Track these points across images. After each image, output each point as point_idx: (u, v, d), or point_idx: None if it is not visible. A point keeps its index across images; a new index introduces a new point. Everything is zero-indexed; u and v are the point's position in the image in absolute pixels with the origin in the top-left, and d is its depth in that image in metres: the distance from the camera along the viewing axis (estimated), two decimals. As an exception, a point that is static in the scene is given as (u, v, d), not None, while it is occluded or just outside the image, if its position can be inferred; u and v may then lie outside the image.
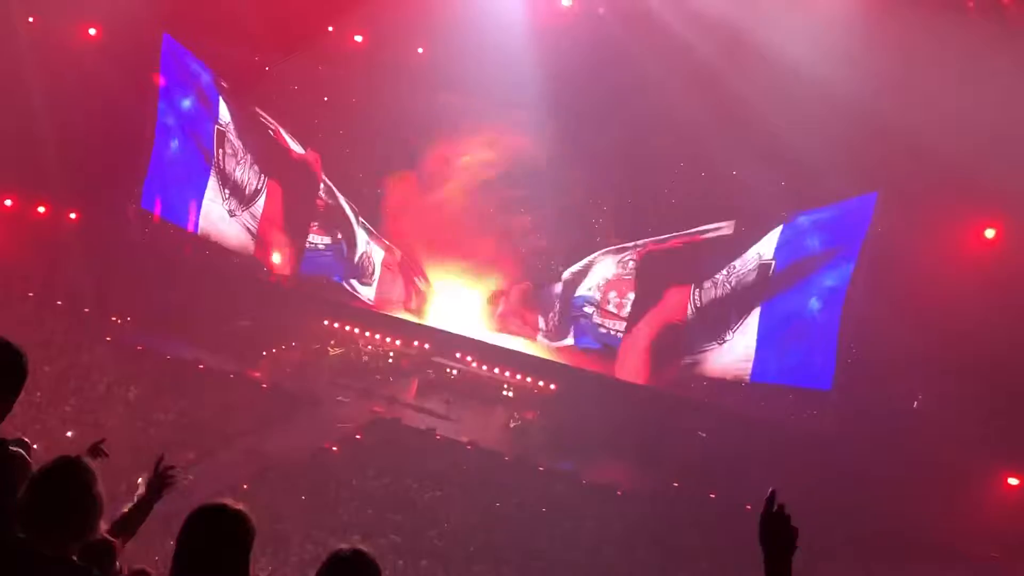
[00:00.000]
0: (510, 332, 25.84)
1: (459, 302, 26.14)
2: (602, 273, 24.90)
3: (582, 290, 25.08)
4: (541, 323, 25.69)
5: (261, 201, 26.91)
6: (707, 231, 23.77)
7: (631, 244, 24.70)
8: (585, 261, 25.10)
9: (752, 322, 23.38)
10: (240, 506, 4.66)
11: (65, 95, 24.98)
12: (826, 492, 20.82)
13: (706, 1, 21.23)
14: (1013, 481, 21.64)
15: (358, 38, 25.72)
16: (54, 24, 25.60)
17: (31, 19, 25.76)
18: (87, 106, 25.05)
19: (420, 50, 25.39)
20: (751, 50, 21.00)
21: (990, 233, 21.79)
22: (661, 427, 23.38)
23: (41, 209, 27.10)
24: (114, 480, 5.08)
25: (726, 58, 21.41)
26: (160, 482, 6.43)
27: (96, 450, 6.49)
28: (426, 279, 26.47)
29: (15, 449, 5.06)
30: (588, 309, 25.03)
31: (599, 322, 25.02)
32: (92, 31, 26.33)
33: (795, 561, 4.44)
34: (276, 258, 27.05)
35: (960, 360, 20.73)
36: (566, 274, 25.32)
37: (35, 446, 5.88)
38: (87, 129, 25.03)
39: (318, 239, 26.88)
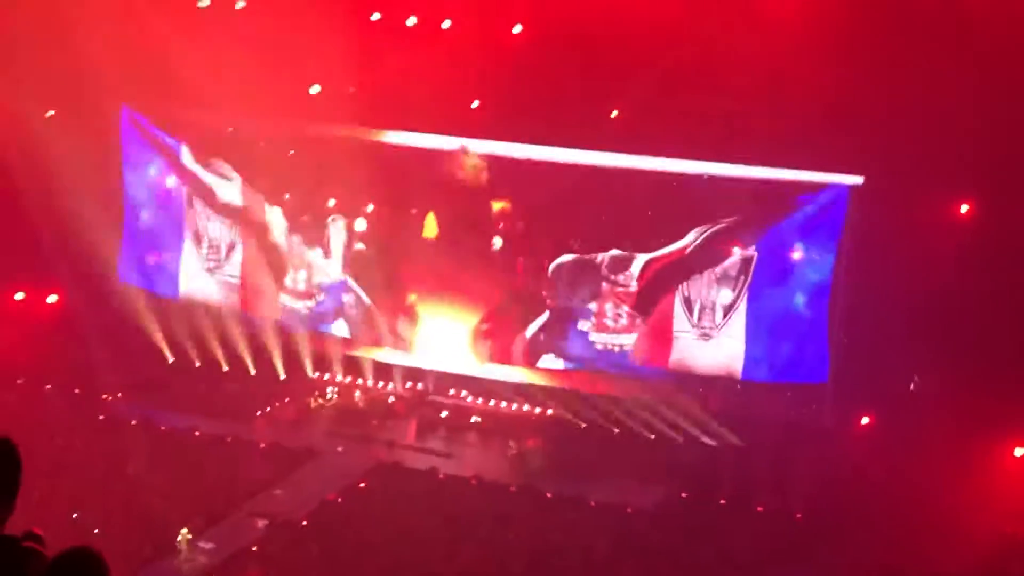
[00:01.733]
0: (502, 361, 25.74)
1: (447, 337, 26.04)
2: (592, 288, 24.75)
3: (576, 305, 24.93)
4: (531, 348, 25.54)
5: (238, 253, 26.84)
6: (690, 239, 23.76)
7: (618, 254, 24.55)
8: (575, 281, 24.99)
9: (738, 320, 23.38)
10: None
11: (28, 176, 24.93)
12: (834, 483, 20.94)
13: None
14: (1021, 451, 21.65)
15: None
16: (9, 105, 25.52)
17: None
18: (53, 185, 25.01)
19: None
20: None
21: (963, 208, 21.93)
22: (662, 438, 23.36)
23: (19, 295, 26.97)
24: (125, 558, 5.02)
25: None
26: None
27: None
28: (410, 317, 26.31)
29: (29, 544, 4.95)
30: (583, 325, 24.85)
31: (595, 340, 24.86)
32: (50, 113, 26.27)
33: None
34: (262, 306, 26.93)
35: (951, 336, 20.85)
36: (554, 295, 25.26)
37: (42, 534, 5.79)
38: (57, 208, 25.00)
39: (292, 298, 26.82)
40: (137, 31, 23.48)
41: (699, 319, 23.68)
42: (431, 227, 25.81)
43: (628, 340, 24.45)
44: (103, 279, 26.91)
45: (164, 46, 23.61)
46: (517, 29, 23.85)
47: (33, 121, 25.58)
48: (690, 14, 21.10)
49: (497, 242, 25.33)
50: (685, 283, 23.76)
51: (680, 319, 23.85)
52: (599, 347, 24.68)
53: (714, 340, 23.59)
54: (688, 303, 23.81)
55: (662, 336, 24.06)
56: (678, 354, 23.96)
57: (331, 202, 26.49)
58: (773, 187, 23.22)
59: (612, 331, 24.56)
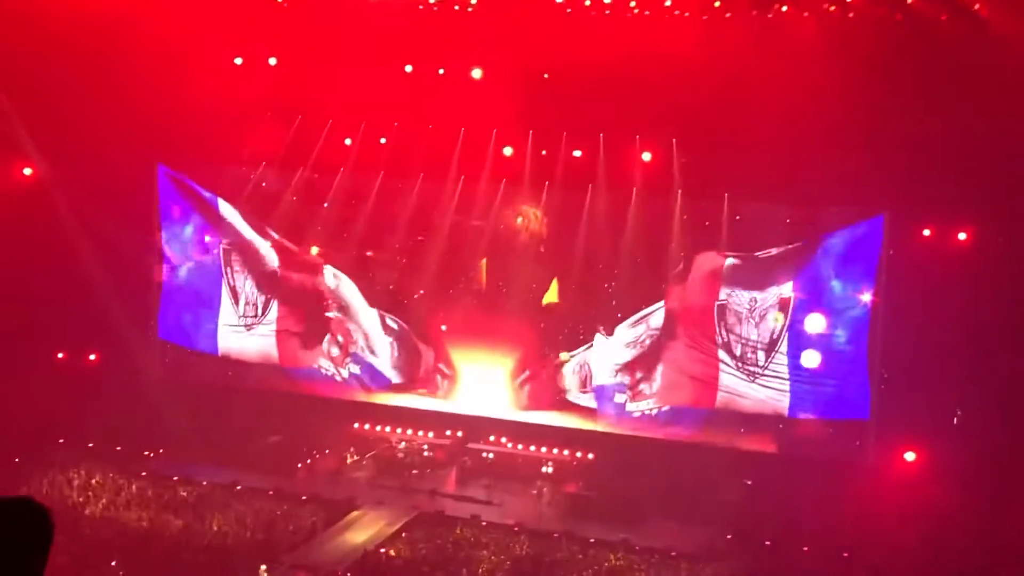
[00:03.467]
0: (540, 408, 25.74)
1: (485, 384, 26.10)
2: (622, 353, 24.85)
3: (605, 373, 25.03)
4: (569, 394, 25.59)
5: (274, 309, 27.07)
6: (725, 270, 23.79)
7: (649, 311, 24.63)
8: (603, 338, 25.09)
9: (781, 359, 23.34)
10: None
11: (59, 239, 25.34)
12: (880, 520, 20.70)
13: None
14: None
15: (348, 141, 25.95)
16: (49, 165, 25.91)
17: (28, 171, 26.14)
18: (93, 244, 25.42)
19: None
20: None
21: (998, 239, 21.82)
22: (704, 480, 23.20)
23: (60, 355, 27.26)
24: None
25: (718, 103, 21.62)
26: None
27: None
28: (451, 365, 26.45)
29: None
30: (619, 398, 24.99)
31: (633, 409, 24.95)
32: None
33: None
34: (299, 359, 27.12)
35: (993, 369, 20.67)
36: (581, 353, 25.35)
37: None
38: (94, 269, 25.35)
39: (329, 355, 27.01)
40: (172, 89, 23.81)
41: (743, 361, 23.64)
42: (483, 276, 26.03)
43: (664, 402, 24.55)
44: (143, 336, 27.14)
45: (199, 103, 23.96)
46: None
47: (72, 180, 25.98)
48: (716, 55, 21.17)
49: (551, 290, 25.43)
50: (724, 327, 23.74)
51: (724, 362, 23.82)
52: (636, 415, 24.78)
53: (760, 380, 23.52)
54: (729, 347, 23.79)
55: (706, 380, 24.02)
56: (724, 394, 23.91)
57: (368, 253, 26.72)
58: (806, 223, 23.23)
59: (647, 396, 24.67)
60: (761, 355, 23.50)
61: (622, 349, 24.95)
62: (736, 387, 23.79)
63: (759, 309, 23.51)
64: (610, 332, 25.04)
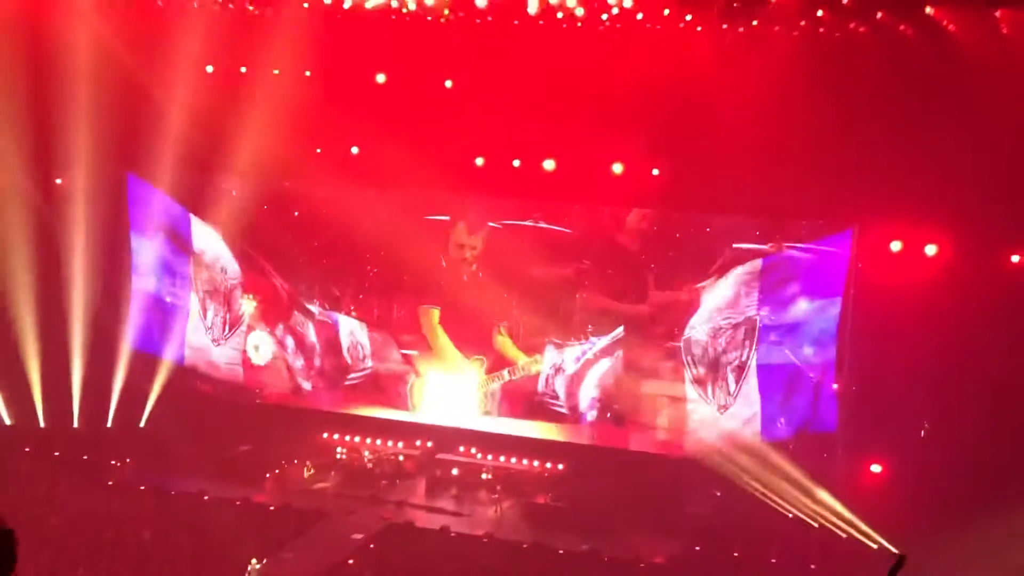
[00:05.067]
0: (511, 415, 25.72)
1: (456, 393, 26.07)
2: (592, 358, 24.91)
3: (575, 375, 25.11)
4: (540, 401, 25.58)
5: (243, 325, 26.99)
6: (692, 293, 23.85)
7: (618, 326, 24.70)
8: (574, 356, 25.12)
9: (751, 385, 23.39)
10: None
11: (37, 243, 25.20)
12: (850, 533, 20.80)
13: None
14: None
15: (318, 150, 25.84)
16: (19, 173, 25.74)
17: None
18: (62, 252, 25.33)
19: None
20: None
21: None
22: (673, 492, 23.25)
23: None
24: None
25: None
26: None
27: None
28: (417, 372, 26.39)
29: None
30: (595, 392, 25.03)
31: (597, 408, 25.02)
32: (58, 180, 26.55)
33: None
34: (265, 381, 27.05)
35: (961, 382, 20.80)
36: (556, 359, 25.35)
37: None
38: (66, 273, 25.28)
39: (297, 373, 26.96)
40: (143, 96, 23.74)
41: (713, 394, 23.70)
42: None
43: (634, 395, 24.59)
44: (111, 345, 26.95)
45: (169, 111, 23.89)
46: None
47: (43, 189, 25.87)
48: (687, 68, 21.25)
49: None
50: (692, 362, 23.81)
51: (694, 398, 23.90)
52: (605, 412, 24.88)
53: (731, 410, 23.58)
54: (700, 381, 23.84)
55: (677, 422, 24.10)
56: (695, 430, 23.95)
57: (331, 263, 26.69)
58: (775, 235, 23.35)
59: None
60: (732, 383, 23.54)
61: (586, 367, 24.99)
62: (706, 421, 23.85)
63: (725, 334, 23.57)
64: (563, 345, 25.11)
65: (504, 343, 25.64)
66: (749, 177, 21.00)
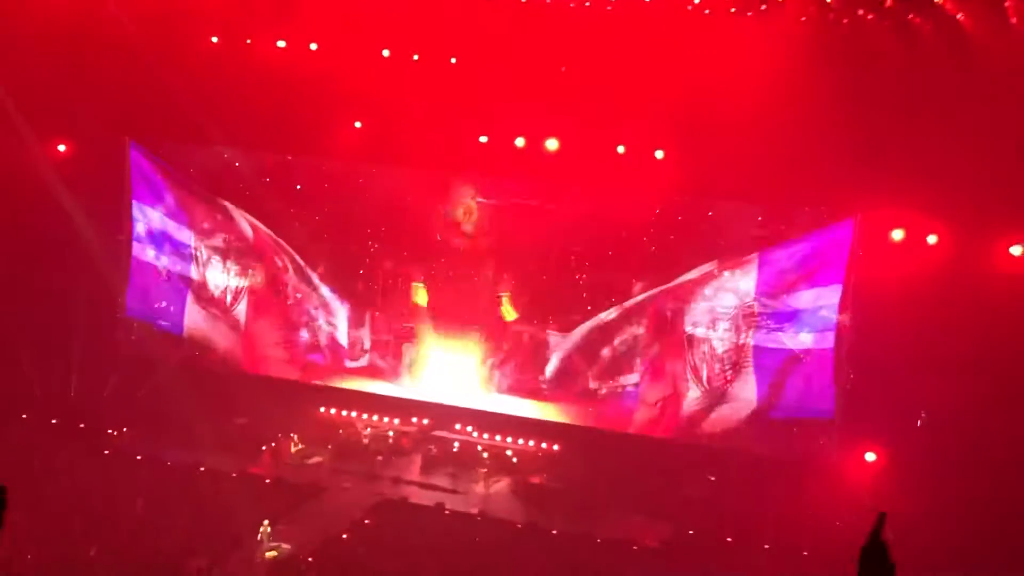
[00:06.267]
0: (511, 392, 25.71)
1: (454, 369, 26.06)
2: (591, 337, 24.87)
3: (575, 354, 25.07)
4: (540, 379, 25.56)
5: (244, 300, 26.95)
6: (691, 278, 23.81)
7: (618, 307, 24.64)
8: (576, 332, 25.10)
9: (748, 370, 23.40)
10: None
11: (35, 208, 25.16)
12: (842, 519, 20.81)
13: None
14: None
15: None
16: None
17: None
18: (63, 218, 25.30)
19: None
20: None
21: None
22: (668, 475, 23.28)
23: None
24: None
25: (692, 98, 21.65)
26: None
27: None
28: (415, 348, 26.35)
29: None
30: (590, 373, 25.01)
31: (596, 387, 24.96)
32: (61, 147, 26.49)
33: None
34: (263, 354, 27.02)
35: (958, 370, 20.79)
36: (556, 337, 25.31)
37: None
38: (66, 240, 25.26)
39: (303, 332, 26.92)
40: (148, 65, 23.67)
41: (710, 379, 23.70)
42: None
43: (632, 379, 24.55)
44: (109, 313, 26.94)
45: (173, 81, 23.82)
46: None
47: (45, 155, 25.83)
48: (694, 52, 21.21)
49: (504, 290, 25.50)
50: (690, 345, 23.80)
51: (691, 382, 23.89)
52: (604, 391, 24.80)
53: (728, 395, 23.59)
54: (697, 365, 23.84)
55: (673, 404, 24.09)
56: (691, 414, 23.95)
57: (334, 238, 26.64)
58: (777, 222, 23.34)
59: (615, 370, 24.71)
60: (728, 367, 23.55)
61: (586, 347, 24.99)
62: (703, 405, 23.87)
63: (724, 319, 23.56)
64: (567, 329, 25.10)
65: (507, 311, 25.58)
66: (753, 162, 20.97)
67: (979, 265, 21.32)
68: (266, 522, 20.61)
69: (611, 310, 24.70)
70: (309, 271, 26.75)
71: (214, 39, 25.19)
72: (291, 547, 20.39)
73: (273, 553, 20.45)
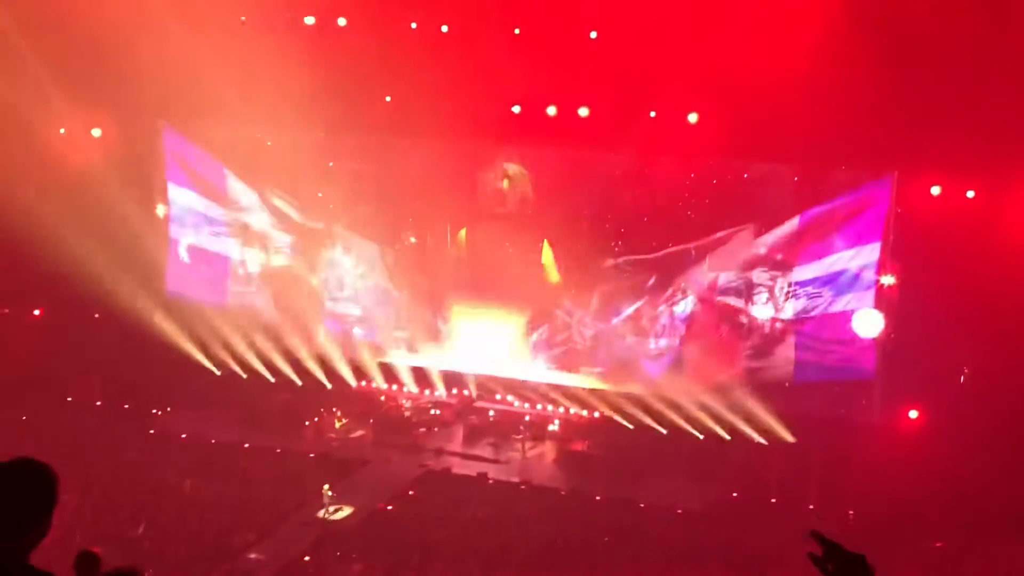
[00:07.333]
0: (551, 360, 25.69)
1: (495, 338, 26.05)
2: (630, 303, 24.83)
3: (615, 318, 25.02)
4: (579, 345, 25.53)
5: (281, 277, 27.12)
6: (728, 240, 23.71)
7: (655, 271, 24.57)
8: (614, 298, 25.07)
9: (788, 331, 23.33)
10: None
11: (73, 193, 25.31)
12: (885, 479, 20.74)
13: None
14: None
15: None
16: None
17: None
18: (100, 201, 25.42)
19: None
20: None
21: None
22: (712, 438, 23.26)
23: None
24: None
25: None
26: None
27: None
28: (452, 320, 26.36)
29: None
30: (629, 339, 24.97)
31: (635, 351, 24.93)
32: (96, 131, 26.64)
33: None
34: (303, 323, 27.11)
35: (1000, 328, 20.62)
36: (595, 303, 25.26)
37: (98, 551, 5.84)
38: (104, 223, 25.41)
39: (341, 308, 27.00)
40: (179, 45, 23.70)
41: (749, 343, 23.65)
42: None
43: (671, 343, 24.52)
44: (150, 292, 27.09)
45: (205, 62, 23.83)
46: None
47: (80, 138, 25.96)
48: (727, 12, 21.03)
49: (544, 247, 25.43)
50: (728, 311, 23.78)
51: (731, 349, 23.84)
52: (643, 356, 24.77)
53: (768, 355, 23.53)
54: (735, 332, 23.80)
55: (713, 366, 24.03)
56: (729, 375, 23.91)
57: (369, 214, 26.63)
58: (814, 182, 23.16)
59: (653, 335, 24.65)
60: (768, 325, 23.50)
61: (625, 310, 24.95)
62: (744, 370, 23.83)
63: (762, 281, 23.48)
64: (605, 295, 25.07)
65: (551, 273, 25.57)
66: (788, 124, 20.76)
67: (1019, 220, 21.08)
68: (327, 486, 20.90)
69: (649, 275, 24.61)
70: (342, 247, 26.79)
71: (242, 18, 25.16)
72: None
73: (344, 512, 21.10)
